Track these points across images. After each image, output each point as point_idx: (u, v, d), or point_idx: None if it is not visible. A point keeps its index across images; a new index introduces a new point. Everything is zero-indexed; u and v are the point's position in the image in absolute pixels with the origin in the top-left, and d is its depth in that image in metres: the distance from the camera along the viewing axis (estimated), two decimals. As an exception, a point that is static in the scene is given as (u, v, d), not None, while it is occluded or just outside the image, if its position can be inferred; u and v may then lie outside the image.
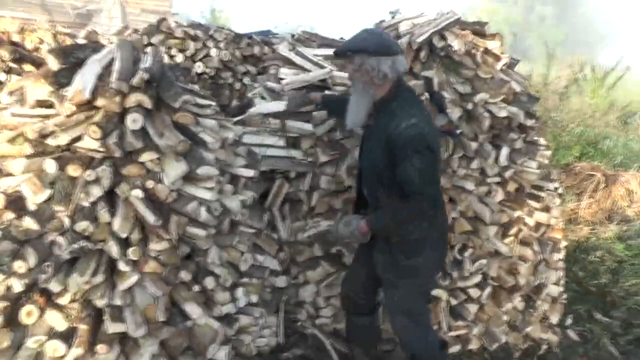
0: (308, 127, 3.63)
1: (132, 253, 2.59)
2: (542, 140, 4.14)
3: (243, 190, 3.14)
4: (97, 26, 13.95)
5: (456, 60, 3.83)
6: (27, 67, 4.81)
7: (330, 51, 4.64)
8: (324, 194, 3.66)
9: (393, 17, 4.52)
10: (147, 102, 2.65)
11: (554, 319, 4.18)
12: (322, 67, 4.11)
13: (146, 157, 2.61)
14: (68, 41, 6.08)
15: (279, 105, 3.64)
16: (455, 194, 3.76)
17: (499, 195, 3.85)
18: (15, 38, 5.85)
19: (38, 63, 4.72)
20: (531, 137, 4.01)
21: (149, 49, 3.16)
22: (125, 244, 2.61)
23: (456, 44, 3.83)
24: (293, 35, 5.64)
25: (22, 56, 5.07)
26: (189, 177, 2.74)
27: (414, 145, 2.62)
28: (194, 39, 5.56)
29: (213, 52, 5.62)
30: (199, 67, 5.49)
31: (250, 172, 3.13)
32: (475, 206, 3.81)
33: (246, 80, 5.65)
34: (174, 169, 2.65)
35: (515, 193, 3.95)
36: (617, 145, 8.93)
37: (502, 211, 3.87)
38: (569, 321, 4.43)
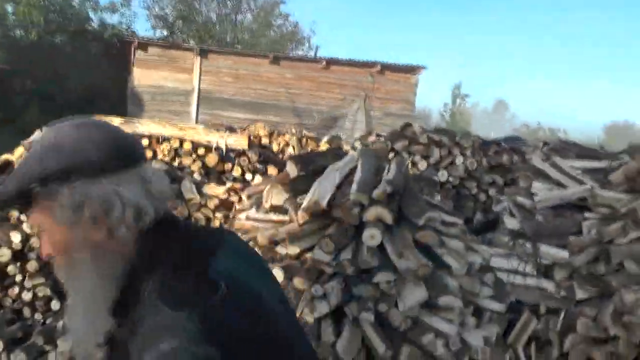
0: (564, 254, 3.12)
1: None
2: None
3: (487, 324, 2.66)
4: (341, 130, 14.78)
5: None
6: (272, 169, 5.01)
7: (590, 164, 4.05)
8: (580, 340, 3.00)
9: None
10: (388, 217, 2.39)
11: None
12: (580, 182, 3.60)
13: (381, 277, 2.32)
14: (311, 144, 6.37)
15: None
16: None
17: None
18: (264, 141, 6.31)
19: (281, 165, 4.90)
20: None
21: (393, 158, 2.96)
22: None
23: None
24: (546, 143, 5.12)
25: (267, 158, 5.35)
26: (428, 305, 2.37)
27: None
28: (439, 145, 5.28)
29: (458, 159, 5.28)
30: (442, 176, 5.17)
31: (498, 306, 2.65)
32: None
33: (492, 192, 5.17)
34: (412, 295, 2.31)
35: None
36: None
37: None
38: None
